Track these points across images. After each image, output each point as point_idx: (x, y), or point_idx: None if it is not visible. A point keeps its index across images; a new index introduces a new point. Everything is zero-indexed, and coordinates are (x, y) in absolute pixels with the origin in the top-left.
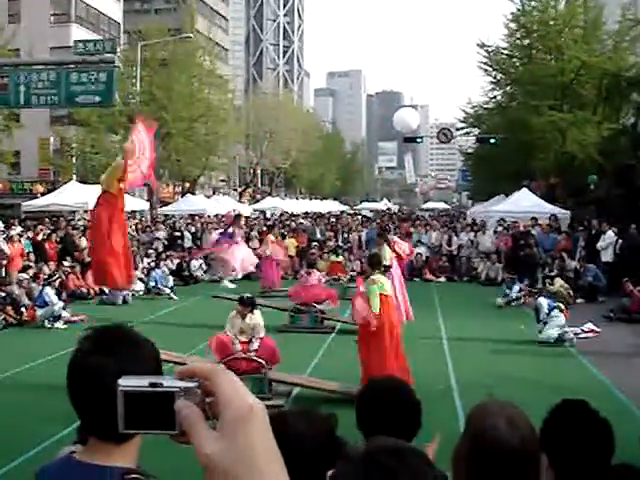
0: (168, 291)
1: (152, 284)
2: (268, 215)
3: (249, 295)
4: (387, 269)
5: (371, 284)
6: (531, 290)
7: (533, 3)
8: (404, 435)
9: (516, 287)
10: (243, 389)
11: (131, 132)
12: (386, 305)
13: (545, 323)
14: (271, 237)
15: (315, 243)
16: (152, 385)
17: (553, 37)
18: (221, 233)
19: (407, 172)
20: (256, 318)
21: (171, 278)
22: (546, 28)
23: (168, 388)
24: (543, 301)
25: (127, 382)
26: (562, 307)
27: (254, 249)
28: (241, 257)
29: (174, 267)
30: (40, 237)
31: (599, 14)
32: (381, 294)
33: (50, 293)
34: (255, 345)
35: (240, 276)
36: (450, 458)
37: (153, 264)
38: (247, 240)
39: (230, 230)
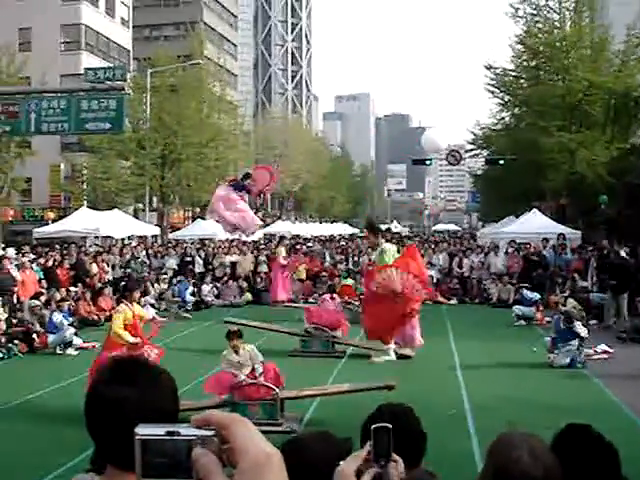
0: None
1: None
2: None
3: (234, 329)
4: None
5: (382, 255)
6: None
7: (539, 25)
8: (408, 463)
9: (529, 294)
10: (259, 437)
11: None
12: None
13: (557, 347)
14: (283, 250)
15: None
16: (169, 434)
17: (560, 58)
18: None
19: (427, 194)
20: (248, 346)
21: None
22: (552, 49)
23: (185, 437)
24: (556, 320)
25: (144, 430)
26: (579, 332)
27: (265, 272)
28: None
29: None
30: (51, 263)
31: (605, 34)
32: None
33: (58, 317)
34: (260, 369)
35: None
36: None
37: (167, 288)
38: (256, 265)
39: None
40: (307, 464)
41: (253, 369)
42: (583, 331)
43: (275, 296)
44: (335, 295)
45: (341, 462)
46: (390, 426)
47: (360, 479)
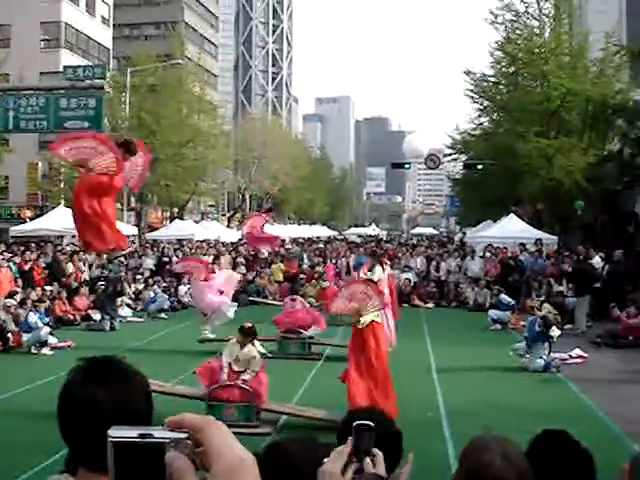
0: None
1: (153, 307)
2: None
3: (250, 325)
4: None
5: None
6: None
7: (518, 32)
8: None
9: (506, 298)
10: (234, 441)
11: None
12: (379, 331)
13: (529, 350)
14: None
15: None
16: (142, 436)
17: (539, 65)
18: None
19: (407, 198)
20: (254, 350)
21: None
22: (531, 56)
23: (158, 439)
24: (531, 321)
25: (117, 433)
26: (553, 336)
27: (243, 274)
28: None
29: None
30: (27, 263)
31: (584, 41)
32: (373, 321)
33: (34, 318)
34: (247, 376)
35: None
36: None
37: (143, 287)
38: (234, 266)
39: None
40: (289, 469)
41: (244, 371)
42: (556, 336)
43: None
44: (296, 296)
45: (325, 460)
46: (372, 424)
47: (344, 475)
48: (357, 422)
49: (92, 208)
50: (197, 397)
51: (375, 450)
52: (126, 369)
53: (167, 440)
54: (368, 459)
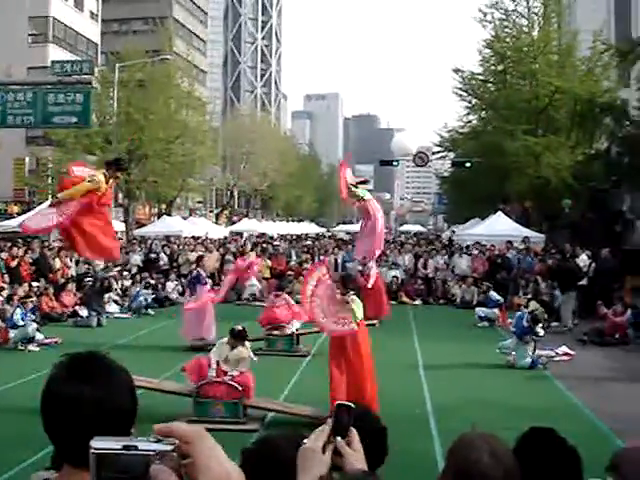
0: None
1: (135, 305)
2: (245, 236)
3: (240, 328)
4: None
5: (352, 302)
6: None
7: (507, 30)
8: (371, 463)
9: (495, 296)
10: (222, 455)
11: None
12: (361, 330)
13: (517, 344)
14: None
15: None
16: (126, 448)
17: (527, 63)
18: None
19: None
20: (244, 352)
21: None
22: (520, 54)
23: (143, 451)
24: (518, 317)
25: (100, 444)
26: (539, 333)
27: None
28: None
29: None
30: (14, 259)
31: (572, 40)
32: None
33: (17, 315)
34: (234, 372)
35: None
36: None
37: (130, 284)
38: (222, 264)
39: (195, 274)
40: (279, 463)
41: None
42: (540, 334)
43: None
44: (280, 293)
45: (305, 440)
46: (352, 405)
47: (324, 453)
48: (338, 402)
49: (92, 225)
50: (185, 393)
51: (350, 429)
52: (110, 365)
53: (152, 453)
54: (340, 439)
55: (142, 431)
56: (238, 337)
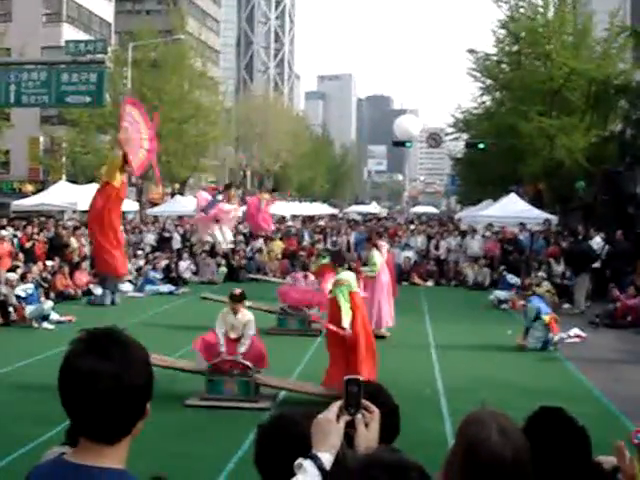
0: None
1: (149, 287)
2: None
3: (239, 291)
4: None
5: (338, 286)
6: (523, 292)
7: (522, 10)
8: (382, 441)
9: (512, 278)
10: None
11: (120, 118)
12: (355, 303)
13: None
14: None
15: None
16: None
17: (542, 44)
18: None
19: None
20: (248, 314)
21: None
22: (535, 35)
23: None
24: (533, 306)
25: None
26: (547, 320)
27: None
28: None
29: (162, 268)
30: (28, 238)
31: (588, 21)
32: (350, 292)
33: (26, 290)
34: (242, 349)
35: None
36: (440, 466)
37: (143, 264)
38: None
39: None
40: (296, 438)
41: (241, 337)
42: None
43: (258, 228)
44: (308, 274)
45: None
46: (361, 378)
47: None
48: (347, 376)
49: (109, 241)
50: (198, 371)
51: (372, 407)
52: (127, 341)
53: None
54: (359, 415)
55: (154, 408)
56: (238, 299)
